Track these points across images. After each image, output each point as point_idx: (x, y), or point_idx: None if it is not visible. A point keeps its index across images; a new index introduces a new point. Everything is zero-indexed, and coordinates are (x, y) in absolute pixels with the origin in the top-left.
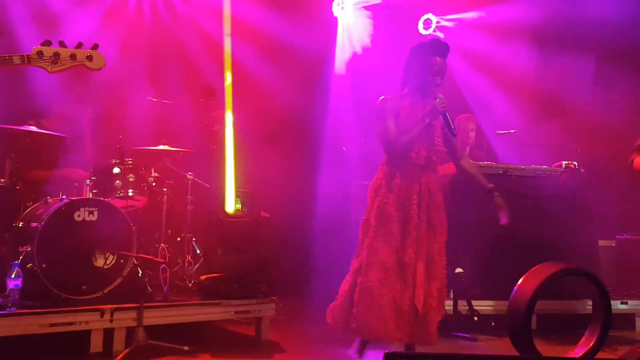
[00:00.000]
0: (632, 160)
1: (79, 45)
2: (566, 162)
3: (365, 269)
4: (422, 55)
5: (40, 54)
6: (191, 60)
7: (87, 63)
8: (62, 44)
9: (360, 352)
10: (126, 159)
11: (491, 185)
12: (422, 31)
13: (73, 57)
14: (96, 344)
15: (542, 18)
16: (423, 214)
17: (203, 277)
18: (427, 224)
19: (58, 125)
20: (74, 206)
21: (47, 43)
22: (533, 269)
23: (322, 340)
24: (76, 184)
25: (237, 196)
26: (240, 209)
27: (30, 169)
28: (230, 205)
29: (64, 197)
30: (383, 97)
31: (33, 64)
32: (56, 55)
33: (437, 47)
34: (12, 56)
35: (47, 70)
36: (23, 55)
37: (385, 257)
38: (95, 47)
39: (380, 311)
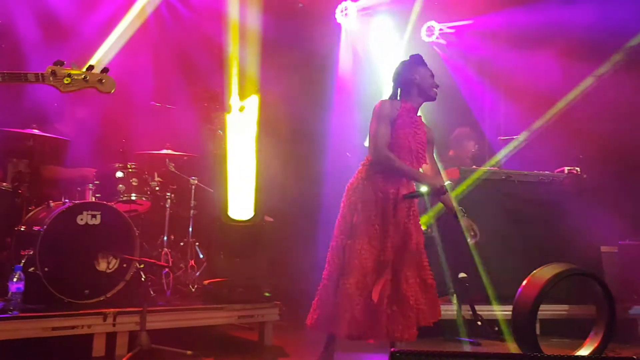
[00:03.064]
0: None
1: (90, 68)
2: (568, 168)
3: (347, 272)
4: (417, 66)
5: (53, 73)
6: (195, 65)
7: (98, 86)
8: (73, 65)
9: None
10: (129, 163)
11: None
12: (424, 38)
13: (85, 79)
14: (99, 348)
15: (542, 24)
16: (401, 218)
17: (206, 282)
18: (403, 229)
19: (71, 128)
20: (76, 210)
21: (59, 63)
22: (537, 270)
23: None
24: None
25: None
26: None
27: (45, 164)
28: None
29: (66, 200)
30: (382, 99)
31: (46, 83)
32: (68, 75)
33: (424, 60)
34: (27, 74)
35: (59, 89)
36: (37, 74)
37: (366, 259)
38: (105, 70)
39: (353, 314)
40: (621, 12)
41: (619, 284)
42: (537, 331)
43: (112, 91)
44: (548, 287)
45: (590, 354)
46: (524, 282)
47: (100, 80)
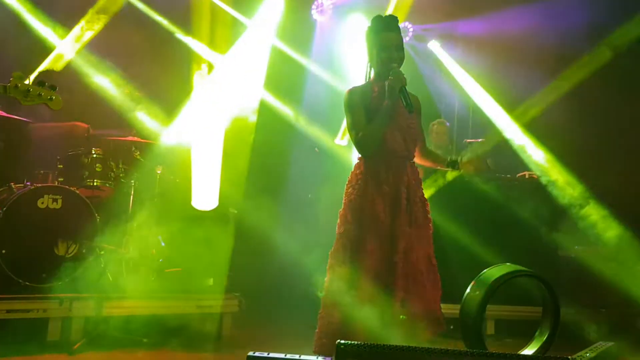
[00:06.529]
0: None
1: (42, 84)
2: (529, 173)
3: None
4: (372, 35)
5: (16, 86)
6: (165, 57)
7: (49, 103)
8: (28, 79)
9: None
10: (94, 149)
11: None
12: None
13: (40, 95)
14: (54, 332)
15: (515, 30)
16: (412, 208)
17: (166, 271)
18: (414, 220)
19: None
20: (38, 193)
21: (19, 77)
22: (485, 271)
23: (284, 338)
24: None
25: None
26: None
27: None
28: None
29: (28, 183)
30: (350, 88)
31: (12, 95)
32: (27, 91)
33: (384, 22)
34: None
35: (20, 102)
36: (5, 86)
37: (377, 261)
38: (54, 88)
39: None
40: (594, 18)
41: (575, 288)
42: (492, 331)
43: (59, 109)
44: (494, 287)
45: (534, 353)
46: (472, 283)
47: (50, 98)
